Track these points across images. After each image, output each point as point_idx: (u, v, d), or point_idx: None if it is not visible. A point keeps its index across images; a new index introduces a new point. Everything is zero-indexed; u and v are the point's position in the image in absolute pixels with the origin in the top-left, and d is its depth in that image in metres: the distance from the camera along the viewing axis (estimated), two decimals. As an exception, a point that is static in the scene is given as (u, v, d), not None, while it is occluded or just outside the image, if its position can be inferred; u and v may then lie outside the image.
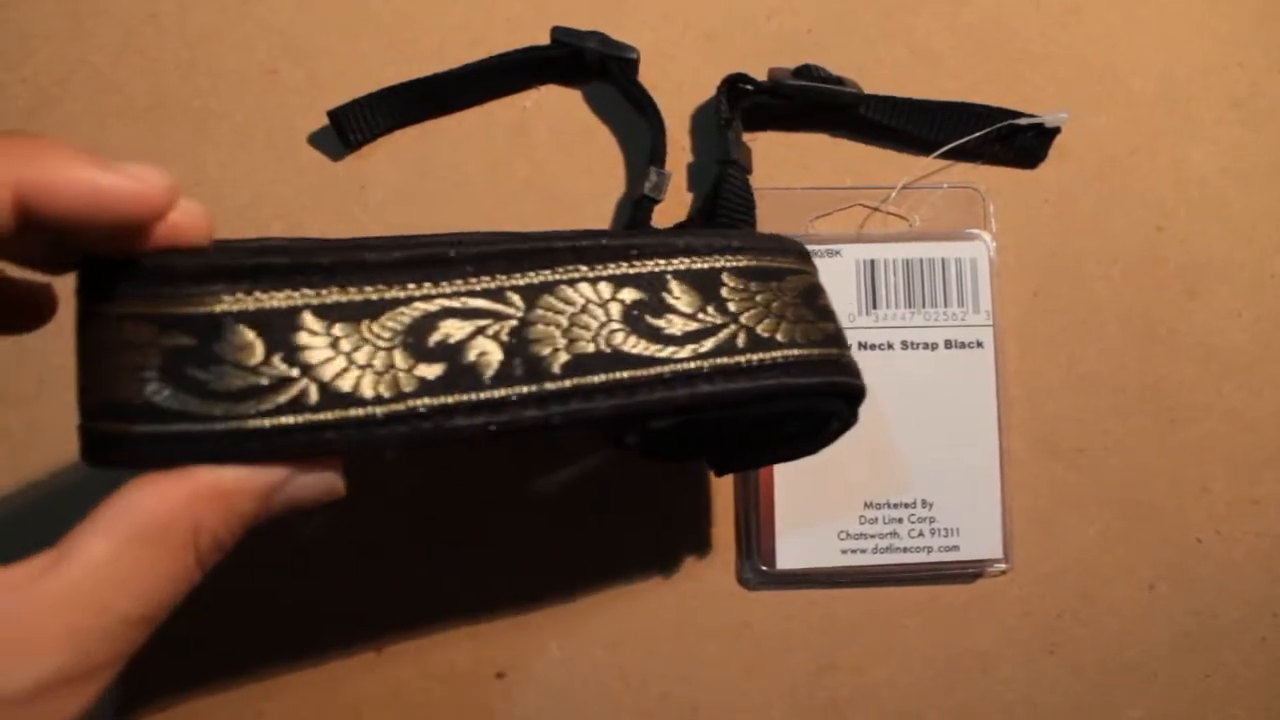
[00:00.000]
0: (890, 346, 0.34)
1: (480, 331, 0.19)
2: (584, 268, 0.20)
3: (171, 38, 0.35)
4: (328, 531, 0.32)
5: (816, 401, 0.24)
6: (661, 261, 0.21)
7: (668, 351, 0.21)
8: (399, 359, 0.18)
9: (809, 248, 0.25)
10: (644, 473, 0.33)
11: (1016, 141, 0.35)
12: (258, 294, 0.18)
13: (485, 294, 0.19)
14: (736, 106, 0.33)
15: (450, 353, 0.19)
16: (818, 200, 0.35)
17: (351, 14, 0.35)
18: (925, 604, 0.34)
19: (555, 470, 0.33)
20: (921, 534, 0.33)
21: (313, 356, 0.18)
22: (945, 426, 0.34)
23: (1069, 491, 0.35)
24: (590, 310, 0.20)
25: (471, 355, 0.19)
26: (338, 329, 0.18)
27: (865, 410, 0.25)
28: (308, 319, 0.18)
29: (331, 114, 0.33)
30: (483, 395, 0.19)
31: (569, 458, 0.34)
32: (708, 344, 0.21)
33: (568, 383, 0.19)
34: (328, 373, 0.18)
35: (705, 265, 0.22)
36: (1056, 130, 0.35)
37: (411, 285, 0.19)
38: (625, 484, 0.33)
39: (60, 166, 0.16)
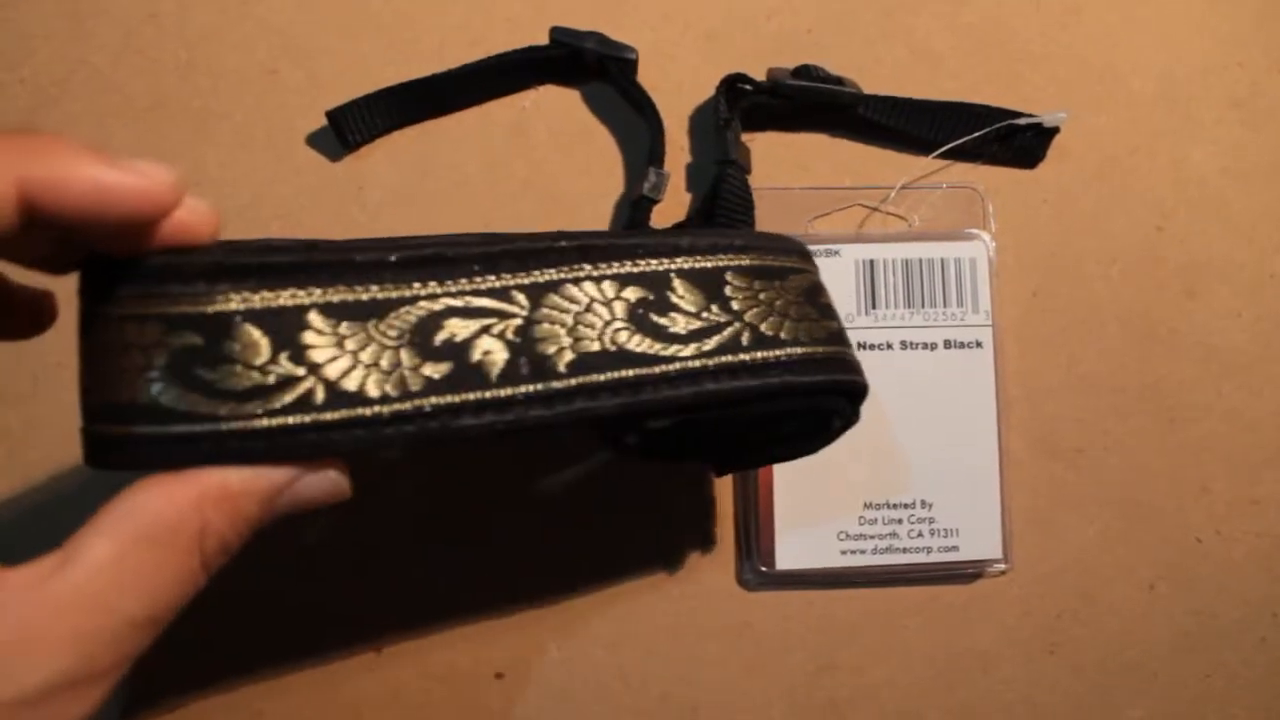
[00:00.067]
0: (889, 347, 0.34)
1: (486, 330, 0.19)
2: (588, 267, 0.20)
3: (171, 38, 0.34)
4: (328, 532, 0.32)
5: (820, 399, 0.24)
6: (665, 260, 0.21)
7: (672, 350, 0.21)
8: (405, 358, 0.18)
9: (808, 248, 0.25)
10: (644, 473, 0.33)
11: (1016, 141, 0.35)
12: (264, 293, 0.17)
13: (490, 293, 0.19)
14: (735, 106, 0.33)
15: (456, 352, 0.19)
16: (817, 200, 0.35)
17: (351, 14, 0.35)
18: (925, 604, 0.34)
19: (555, 470, 0.33)
20: (921, 534, 0.33)
21: (319, 355, 0.18)
22: (945, 427, 0.34)
23: (1069, 491, 0.35)
24: (595, 309, 0.20)
25: (477, 354, 0.19)
26: (344, 328, 0.18)
27: (865, 410, 0.26)
28: (314, 318, 0.18)
29: (330, 114, 0.33)
30: (489, 394, 0.19)
31: (569, 458, 0.33)
32: (712, 342, 0.21)
33: (573, 381, 0.19)
34: (334, 371, 0.18)
35: (709, 264, 0.22)
36: (1056, 130, 0.35)
37: (417, 284, 0.19)
38: (625, 484, 0.33)
39: (66, 163, 0.16)
